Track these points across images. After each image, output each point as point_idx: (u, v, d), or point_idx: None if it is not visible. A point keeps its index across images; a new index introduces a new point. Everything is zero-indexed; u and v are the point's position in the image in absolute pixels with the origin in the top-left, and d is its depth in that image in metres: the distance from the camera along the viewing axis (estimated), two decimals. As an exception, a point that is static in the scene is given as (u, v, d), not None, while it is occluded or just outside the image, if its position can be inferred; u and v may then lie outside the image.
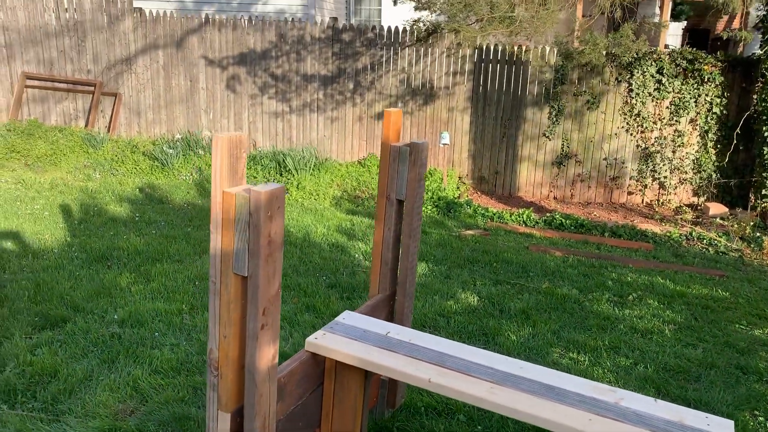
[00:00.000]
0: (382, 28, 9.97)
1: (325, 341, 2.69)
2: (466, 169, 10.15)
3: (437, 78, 9.95)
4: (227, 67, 10.35)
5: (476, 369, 2.57)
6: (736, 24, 17.25)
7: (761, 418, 3.72)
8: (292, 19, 10.20)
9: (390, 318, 3.33)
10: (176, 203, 7.90)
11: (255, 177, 9.27)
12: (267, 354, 2.19)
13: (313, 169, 9.37)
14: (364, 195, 9.09)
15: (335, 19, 10.56)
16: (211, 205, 2.09)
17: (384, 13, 17.00)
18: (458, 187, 9.62)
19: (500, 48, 9.66)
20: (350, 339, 2.73)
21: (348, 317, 2.94)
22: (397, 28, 9.96)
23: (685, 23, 18.38)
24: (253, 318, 2.12)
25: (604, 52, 8.47)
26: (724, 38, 12.22)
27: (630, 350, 4.53)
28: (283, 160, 9.33)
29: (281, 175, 9.29)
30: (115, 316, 4.39)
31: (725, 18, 18.51)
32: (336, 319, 2.92)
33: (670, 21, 15.61)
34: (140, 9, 10.56)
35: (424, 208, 8.56)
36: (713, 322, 5.22)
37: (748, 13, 11.85)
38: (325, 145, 10.37)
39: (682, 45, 14.68)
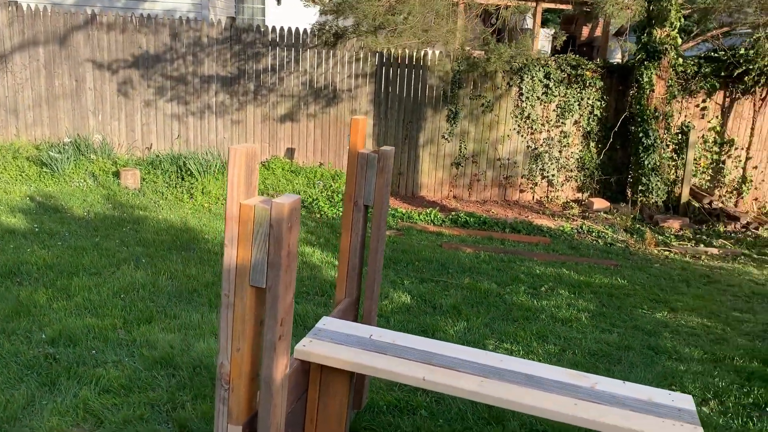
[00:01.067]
0: (283, 29, 9.91)
1: (313, 348, 2.72)
2: (370, 170, 10.31)
3: (340, 80, 10.04)
4: (117, 69, 9.83)
5: (461, 364, 2.72)
6: (598, 32, 18.72)
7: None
8: (187, 19, 9.87)
9: (356, 321, 3.41)
10: (75, 212, 7.42)
11: (155, 182, 8.90)
12: (282, 364, 2.21)
13: (216, 173, 9.14)
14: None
15: (233, 19, 10.35)
16: (227, 218, 2.07)
17: (268, 12, 16.79)
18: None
19: (401, 53, 9.92)
20: (337, 344, 2.78)
21: (328, 323, 2.98)
22: (298, 29, 9.94)
23: (553, 30, 19.75)
24: (271, 329, 2.13)
25: (506, 60, 8.96)
26: (592, 45, 13.26)
27: (556, 338, 4.89)
28: (184, 164, 9.02)
29: (183, 179, 8.98)
30: (43, 336, 4.11)
31: (589, 26, 20.06)
32: (317, 325, 2.95)
33: (541, 28, 16.74)
34: (16, 3, 9.76)
35: (336, 210, 8.63)
36: (620, 309, 5.74)
37: (608, 23, 13.02)
38: (226, 147, 10.13)
39: (551, 50, 15.74)
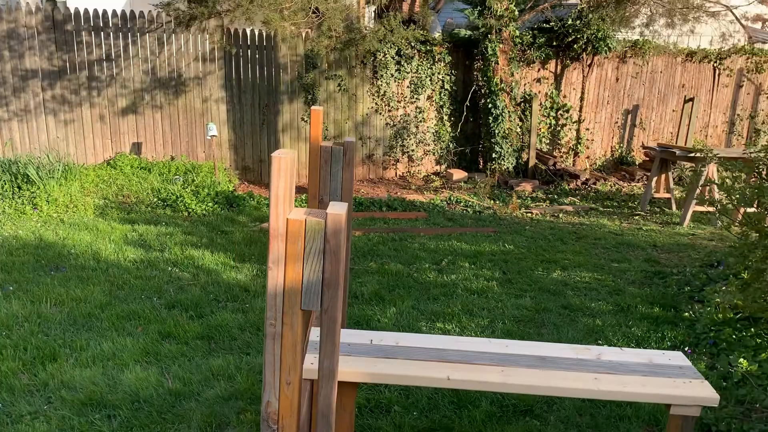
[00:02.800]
0: (115, 13, 8.96)
1: (323, 364, 2.48)
2: (229, 160, 9.80)
3: (186, 66, 9.34)
4: None
5: (474, 356, 2.65)
6: (417, 8, 19.36)
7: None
8: (-1, 2, 8.53)
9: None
10: None
11: (-15, 194, 7.66)
12: (335, 391, 1.98)
13: (59, 178, 8.09)
14: (130, 200, 8.19)
15: (53, 3, 9.14)
16: (271, 236, 1.79)
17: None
18: (230, 180, 9.26)
19: (249, 32, 9.44)
20: (344, 356, 2.57)
21: (316, 334, 2.75)
22: (132, 12, 9.04)
23: (374, 6, 20.04)
24: (330, 355, 1.90)
25: (379, 39, 8.89)
26: (416, 20, 13.69)
27: (480, 310, 5.01)
28: (20, 171, 7.86)
29: (20, 188, 7.82)
30: (-76, 399, 3.36)
31: (408, 1, 20.65)
32: (311, 340, 2.70)
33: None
34: None
35: (205, 206, 8.07)
36: (520, 273, 6.02)
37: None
38: (61, 147, 9.00)
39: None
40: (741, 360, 4.00)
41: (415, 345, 2.72)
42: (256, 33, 9.46)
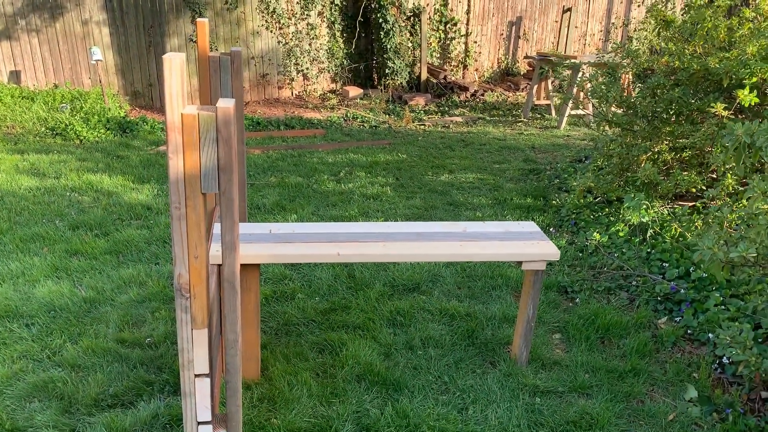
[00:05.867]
0: (-25, -71, 8.31)
1: (227, 250, 2.81)
2: (117, 85, 9.55)
3: (61, -13, 8.87)
4: None
5: (361, 236, 3.06)
6: None
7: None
8: None
9: (229, 225, 3.49)
10: None
11: None
12: (239, 262, 2.32)
13: (-67, 111, 7.68)
14: (15, 131, 7.93)
15: None
16: (168, 130, 2.05)
17: None
18: (120, 106, 9.08)
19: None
20: (245, 243, 2.91)
21: (219, 228, 3.05)
22: (-5, -72, 8.41)
23: None
24: (230, 230, 2.22)
25: None
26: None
27: (375, 212, 5.45)
28: None
29: None
30: None
31: None
32: (214, 232, 3.00)
33: None
34: None
35: (97, 133, 7.95)
36: (412, 178, 6.49)
37: None
38: (-69, 79, 8.47)
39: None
40: (595, 234, 4.68)
41: (309, 231, 3.09)
42: (135, -50, 9.06)
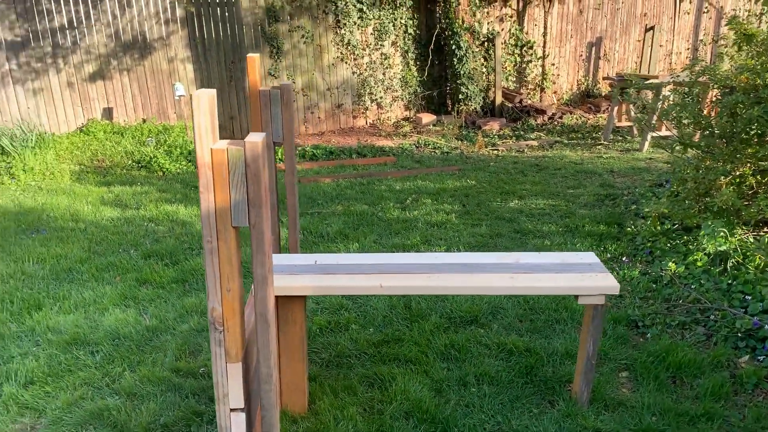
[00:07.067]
0: (73, -22, 8.98)
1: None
2: (201, 119, 9.95)
3: (149, 28, 9.42)
4: None
5: (406, 267, 2.99)
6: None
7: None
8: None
9: (280, 253, 3.51)
10: None
11: (-38, 168, 7.87)
12: (272, 296, 2.31)
13: (33, 147, 8.28)
14: (105, 164, 8.41)
15: (9, -29, 9.11)
16: (198, 165, 2.08)
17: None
18: (202, 138, 9.46)
19: (210, -9, 9.50)
20: (290, 275, 2.90)
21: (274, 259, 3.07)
22: (90, -23, 9.06)
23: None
24: (261, 263, 2.21)
25: None
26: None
27: (438, 240, 5.36)
28: (-6, 143, 8.05)
29: (-4, 160, 8.03)
30: None
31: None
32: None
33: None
34: None
35: (179, 165, 8.31)
36: (479, 205, 6.35)
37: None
38: (33, 118, 9.16)
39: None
40: (671, 264, 4.38)
41: (355, 262, 3.05)
42: (216, -10, 9.52)
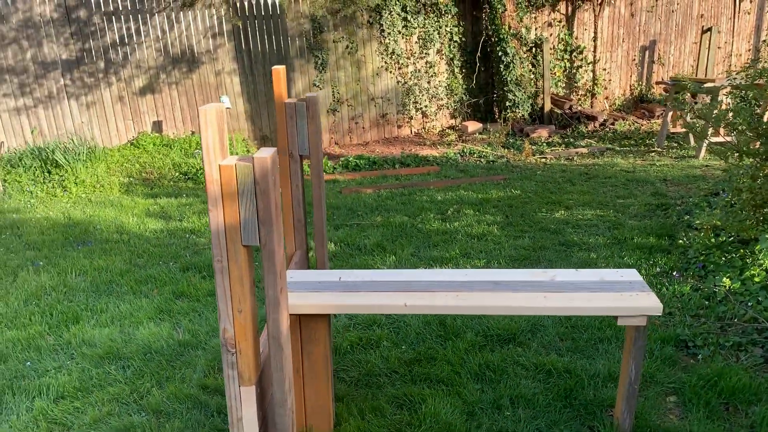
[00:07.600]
0: (124, -4, 9.22)
1: (294, 299, 2.73)
2: (247, 130, 10.08)
3: (197, 43, 9.58)
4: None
5: (433, 285, 2.86)
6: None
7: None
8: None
9: (308, 269, 3.43)
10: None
11: (19, 181, 8.15)
12: (286, 317, 2.22)
13: (85, 160, 8.51)
14: (153, 176, 8.57)
15: (64, -9, 9.43)
16: (207, 182, 2.02)
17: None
18: (248, 150, 9.56)
19: (254, 2, 9.59)
20: (312, 292, 2.82)
21: (294, 275, 3.00)
22: (140, -6, 9.29)
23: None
24: (273, 284, 2.13)
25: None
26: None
27: (478, 253, 5.19)
28: (49, 156, 8.31)
29: (50, 173, 8.29)
30: (-36, 361, 3.76)
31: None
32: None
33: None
34: None
35: (223, 177, 8.38)
36: (523, 216, 6.15)
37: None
38: (86, 132, 9.43)
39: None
40: (725, 280, 4.10)
41: (380, 279, 2.94)
42: (261, 2, 9.62)
